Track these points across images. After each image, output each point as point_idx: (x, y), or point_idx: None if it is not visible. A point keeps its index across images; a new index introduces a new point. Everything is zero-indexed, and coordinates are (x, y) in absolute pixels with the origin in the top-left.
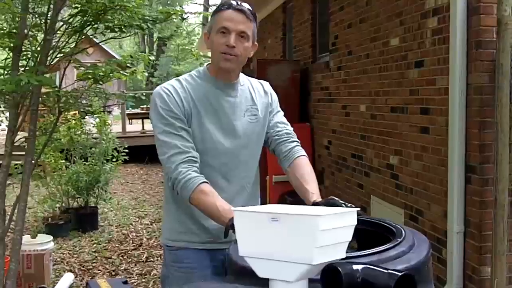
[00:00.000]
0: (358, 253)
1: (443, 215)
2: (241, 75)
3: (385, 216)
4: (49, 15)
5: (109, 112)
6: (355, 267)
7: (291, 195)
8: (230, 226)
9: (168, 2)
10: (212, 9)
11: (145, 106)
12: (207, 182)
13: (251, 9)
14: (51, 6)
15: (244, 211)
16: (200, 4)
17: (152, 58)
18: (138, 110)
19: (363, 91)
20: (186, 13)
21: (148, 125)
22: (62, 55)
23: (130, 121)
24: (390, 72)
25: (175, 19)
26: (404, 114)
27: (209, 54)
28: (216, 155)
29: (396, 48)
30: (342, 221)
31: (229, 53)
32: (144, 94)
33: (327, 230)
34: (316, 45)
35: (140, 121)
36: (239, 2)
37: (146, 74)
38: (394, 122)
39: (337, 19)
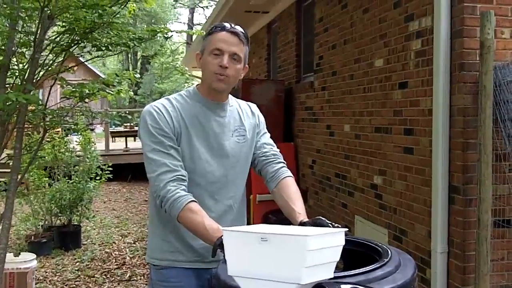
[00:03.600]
0: (346, 273)
1: (427, 235)
2: (230, 96)
3: (369, 236)
4: (37, 34)
5: (92, 130)
6: (343, 286)
7: (275, 214)
8: (218, 246)
9: (153, 21)
10: (196, 28)
11: (128, 124)
12: (195, 201)
13: (244, 32)
14: (40, 24)
15: (234, 231)
16: (184, 23)
17: (138, 76)
18: (121, 128)
19: (347, 111)
20: (172, 31)
21: (131, 143)
22: (48, 73)
23: (113, 139)
24: (374, 92)
25: (160, 37)
26: (388, 134)
27: (194, 72)
28: (204, 174)
29: (380, 69)
30: (330, 241)
31: (222, 74)
32: (127, 112)
33: (316, 250)
34: (300, 65)
35: (123, 138)
36: (232, 25)
37: (132, 93)
38: (378, 142)
39: (321, 40)
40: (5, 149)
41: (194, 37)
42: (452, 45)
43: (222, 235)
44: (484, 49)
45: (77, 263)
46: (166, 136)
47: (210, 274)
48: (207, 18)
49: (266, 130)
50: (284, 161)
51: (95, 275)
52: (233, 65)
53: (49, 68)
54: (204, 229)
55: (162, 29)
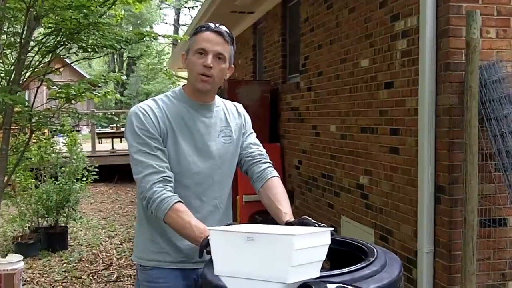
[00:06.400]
0: (332, 272)
1: (413, 235)
2: (216, 96)
3: (355, 235)
4: (23, 35)
5: (78, 131)
6: (329, 286)
7: (261, 214)
8: (204, 246)
9: (138, 22)
10: (182, 28)
11: (115, 125)
12: (181, 202)
13: (229, 31)
14: (25, 25)
15: (220, 230)
16: (170, 24)
17: (124, 77)
18: (107, 130)
19: (333, 112)
20: (159, 35)
21: (117, 145)
22: (34, 74)
23: (100, 140)
24: (360, 93)
25: (147, 40)
26: (374, 134)
27: (180, 73)
28: (190, 175)
29: (366, 69)
30: (317, 240)
31: (206, 74)
32: (114, 113)
33: (302, 250)
34: (286, 66)
35: (109, 140)
36: (217, 25)
37: (119, 95)
38: (364, 142)
39: (307, 40)
40: None
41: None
42: (438, 44)
43: (208, 235)
44: (470, 48)
45: (64, 264)
46: (152, 137)
47: (197, 275)
48: (192, 18)
49: (252, 130)
50: (270, 161)
51: (82, 276)
52: (218, 65)
53: (35, 69)
54: (191, 229)
55: (149, 33)
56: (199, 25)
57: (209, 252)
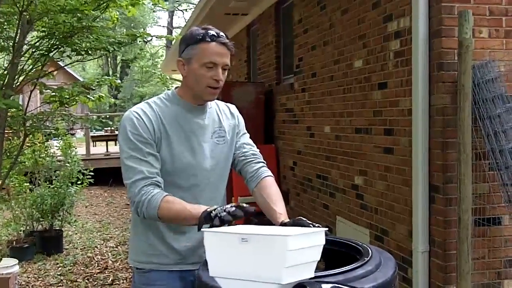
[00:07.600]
0: (327, 272)
1: (408, 234)
2: None
3: (350, 236)
4: (16, 39)
5: (72, 134)
6: (323, 286)
7: (257, 216)
8: (204, 218)
9: (132, 25)
10: (176, 31)
11: (109, 128)
12: (170, 195)
13: (229, 38)
14: (19, 29)
15: (214, 231)
16: (164, 26)
17: (118, 81)
18: (102, 132)
19: (328, 112)
20: (151, 36)
21: (112, 148)
22: (28, 78)
23: (94, 143)
24: (354, 93)
25: (139, 41)
26: (368, 134)
27: (174, 76)
28: (185, 176)
29: (359, 70)
30: (311, 241)
31: (216, 87)
32: (108, 116)
33: (296, 250)
34: (280, 67)
35: (104, 143)
36: (220, 34)
37: (113, 99)
38: (359, 142)
39: (301, 42)
40: None
41: (173, 40)
42: (431, 45)
43: (207, 209)
44: (463, 48)
45: (60, 268)
46: (145, 142)
47: (194, 276)
48: (186, 21)
49: (245, 131)
50: (264, 161)
51: (78, 280)
52: (223, 75)
53: (29, 73)
54: (187, 211)
55: (142, 34)
56: (198, 32)
57: (210, 225)
